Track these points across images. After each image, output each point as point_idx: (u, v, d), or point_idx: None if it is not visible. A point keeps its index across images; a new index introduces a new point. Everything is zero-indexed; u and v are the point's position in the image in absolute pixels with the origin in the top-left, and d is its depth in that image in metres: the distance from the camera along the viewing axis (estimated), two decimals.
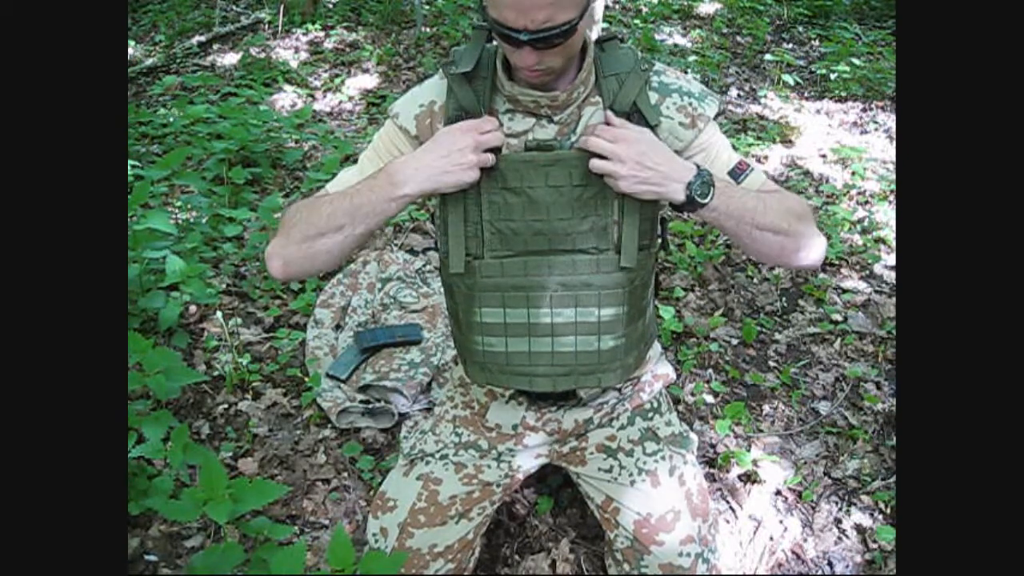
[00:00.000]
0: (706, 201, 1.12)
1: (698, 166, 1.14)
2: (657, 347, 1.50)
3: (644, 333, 1.35)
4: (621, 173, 1.10)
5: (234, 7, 5.55)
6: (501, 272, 1.21)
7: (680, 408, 2.06)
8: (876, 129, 3.90)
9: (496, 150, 1.15)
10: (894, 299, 2.50)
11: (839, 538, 1.70)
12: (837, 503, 1.79)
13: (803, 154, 3.57)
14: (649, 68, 1.21)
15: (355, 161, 1.29)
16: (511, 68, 1.18)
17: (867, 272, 2.68)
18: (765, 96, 4.27)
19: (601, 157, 1.12)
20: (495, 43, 1.19)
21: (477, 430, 1.43)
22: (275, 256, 1.20)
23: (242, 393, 2.06)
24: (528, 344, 1.24)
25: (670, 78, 1.23)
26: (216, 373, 2.11)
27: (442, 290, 1.60)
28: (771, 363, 2.27)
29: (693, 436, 1.50)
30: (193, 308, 2.35)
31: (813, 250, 1.22)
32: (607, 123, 1.15)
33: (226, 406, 2.01)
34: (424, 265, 2.62)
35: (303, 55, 4.78)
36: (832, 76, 4.38)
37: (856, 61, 4.52)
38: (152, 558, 1.58)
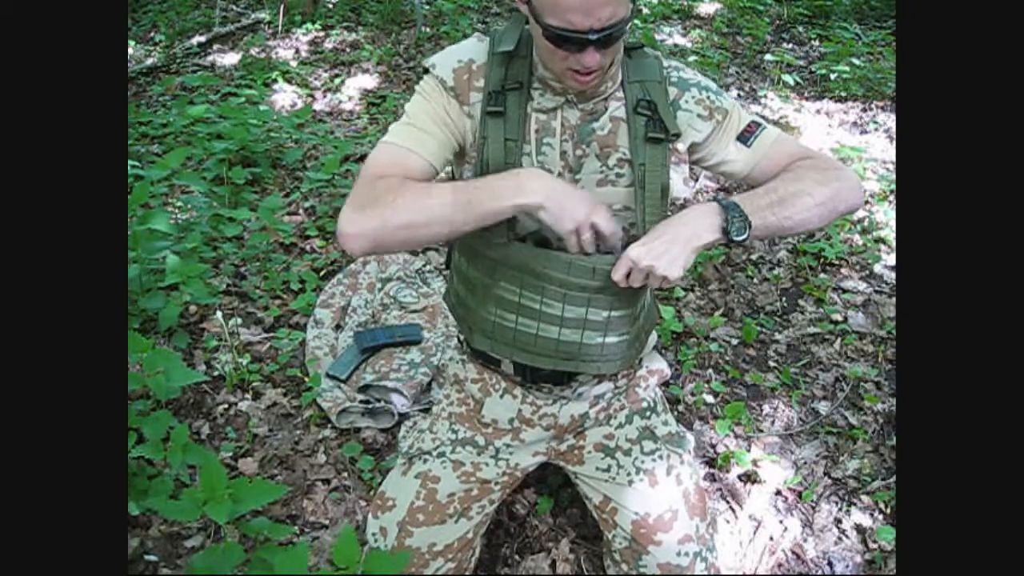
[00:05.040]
0: (744, 237, 1.14)
1: (719, 202, 1.16)
2: (653, 336, 1.51)
3: (645, 323, 1.38)
4: (658, 268, 1.12)
5: (234, 7, 5.55)
6: (527, 256, 1.22)
7: (680, 408, 2.06)
8: (876, 129, 3.90)
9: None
10: (894, 299, 2.50)
11: (839, 538, 1.70)
12: (837, 503, 1.79)
13: None
14: (669, 68, 1.26)
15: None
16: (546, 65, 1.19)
17: (867, 272, 2.68)
18: (765, 96, 4.26)
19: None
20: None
21: (473, 426, 1.43)
22: (363, 236, 1.11)
23: (242, 393, 2.06)
24: (536, 328, 1.26)
25: (688, 74, 1.27)
26: (216, 373, 2.11)
27: (442, 288, 1.59)
28: (771, 363, 2.27)
29: (690, 436, 1.50)
30: (193, 308, 2.35)
31: (848, 196, 1.21)
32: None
33: (226, 406, 2.01)
34: (424, 265, 2.62)
35: (303, 55, 4.78)
36: (832, 76, 4.38)
37: (856, 61, 4.51)
38: (152, 558, 1.58)
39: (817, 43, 5.19)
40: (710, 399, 2.10)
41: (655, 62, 1.25)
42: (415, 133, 1.20)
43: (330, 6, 5.62)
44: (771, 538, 1.68)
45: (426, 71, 1.24)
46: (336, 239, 1.14)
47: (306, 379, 2.08)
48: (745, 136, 1.25)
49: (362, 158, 3.44)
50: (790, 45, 5.20)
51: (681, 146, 1.25)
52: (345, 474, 1.84)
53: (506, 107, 1.20)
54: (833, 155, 3.49)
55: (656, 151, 1.21)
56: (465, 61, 1.23)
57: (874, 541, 1.68)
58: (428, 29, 5.07)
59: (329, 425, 1.97)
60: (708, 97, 1.24)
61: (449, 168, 1.33)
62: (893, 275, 2.64)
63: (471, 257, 1.32)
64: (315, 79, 4.45)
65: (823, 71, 4.47)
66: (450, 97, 1.22)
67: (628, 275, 1.15)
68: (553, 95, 1.22)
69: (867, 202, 3.14)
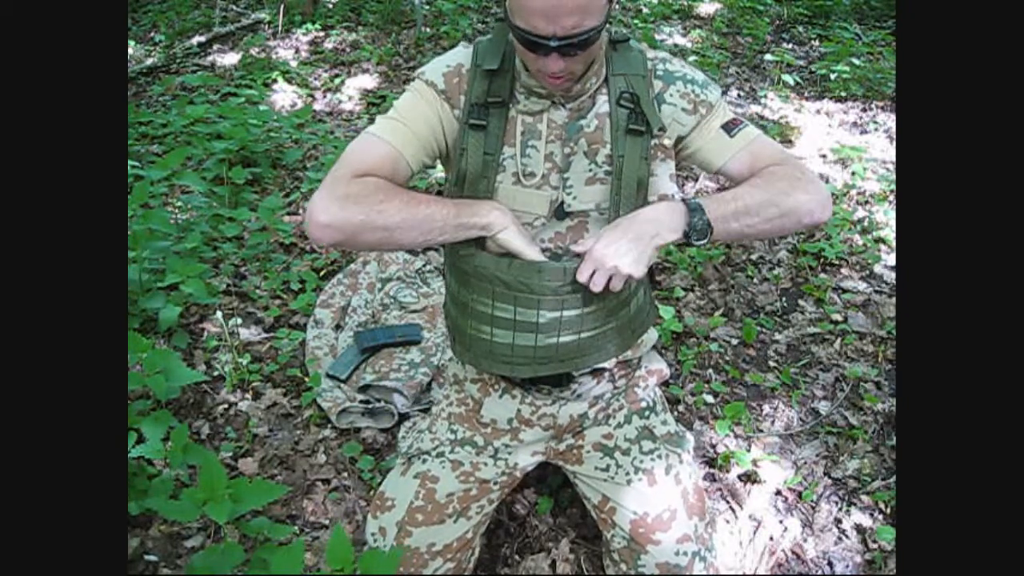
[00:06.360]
0: (704, 242, 1.17)
1: (686, 203, 1.18)
2: (652, 335, 1.50)
3: (632, 321, 1.36)
4: (623, 267, 1.14)
5: (234, 7, 5.55)
6: (495, 267, 1.23)
7: (680, 408, 2.06)
8: (876, 129, 3.90)
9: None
10: (894, 299, 2.50)
11: (839, 538, 1.70)
12: (837, 503, 1.79)
13: (803, 154, 3.57)
14: (655, 60, 1.26)
15: None
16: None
17: (867, 272, 2.68)
18: (765, 96, 4.26)
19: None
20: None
21: (472, 426, 1.43)
22: (340, 229, 1.12)
23: (242, 393, 2.06)
24: (512, 338, 1.26)
25: (675, 66, 1.27)
26: (216, 373, 2.11)
27: (442, 288, 1.58)
28: (771, 363, 2.27)
29: (689, 436, 1.50)
30: (193, 308, 2.35)
31: (814, 210, 1.20)
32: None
33: (226, 406, 2.01)
34: (424, 265, 2.62)
35: (303, 55, 4.78)
36: (832, 76, 4.38)
37: (856, 61, 4.51)
38: (152, 558, 1.58)
39: (817, 43, 5.19)
40: (710, 399, 2.10)
41: (639, 56, 1.25)
42: (401, 130, 1.21)
43: (330, 6, 5.62)
44: (771, 538, 1.68)
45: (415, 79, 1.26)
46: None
47: (306, 379, 2.08)
48: (729, 127, 1.25)
49: None
50: (790, 45, 5.20)
51: (668, 141, 1.25)
52: (345, 474, 1.84)
53: (488, 121, 1.21)
54: (833, 155, 3.50)
55: (635, 143, 1.22)
56: (454, 66, 1.24)
57: (874, 541, 1.68)
58: (428, 29, 5.07)
59: (329, 425, 1.97)
60: (693, 91, 1.24)
61: (441, 171, 1.33)
62: (893, 275, 2.64)
63: (450, 270, 1.33)
64: (315, 79, 4.45)
65: (823, 71, 4.47)
66: (442, 101, 1.22)
67: (592, 274, 1.16)
68: (539, 98, 1.23)
69: (867, 202, 3.14)
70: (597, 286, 1.16)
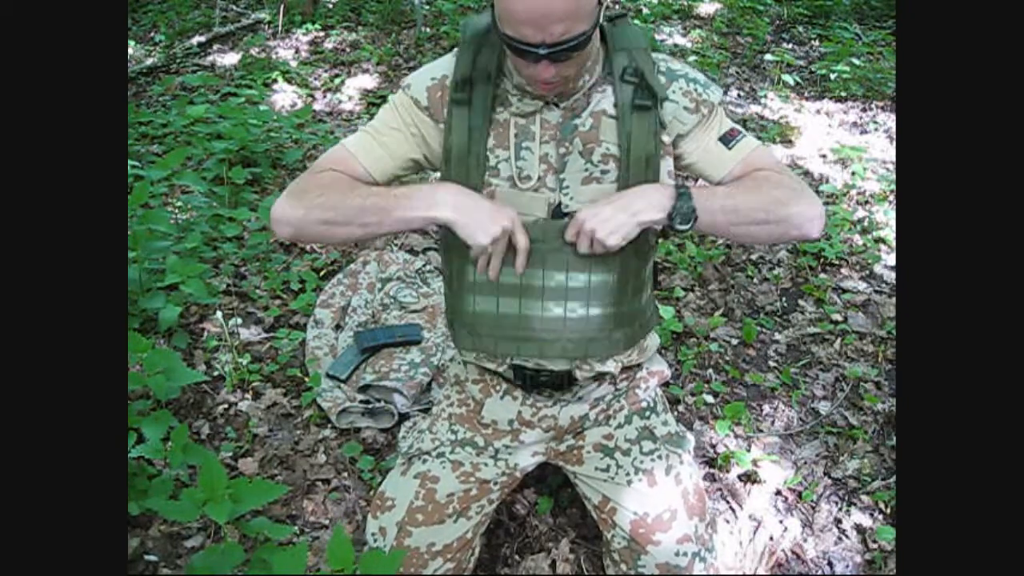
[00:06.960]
0: (687, 227, 1.15)
1: (676, 188, 1.16)
2: (655, 339, 1.50)
3: (638, 314, 1.35)
4: (599, 233, 1.13)
5: (234, 7, 5.55)
6: None
7: (680, 408, 2.06)
8: (876, 129, 3.90)
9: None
10: (894, 299, 2.50)
11: (839, 538, 1.70)
12: (837, 503, 1.79)
13: (803, 154, 3.57)
14: (656, 59, 1.25)
15: None
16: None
17: (867, 272, 2.68)
18: (765, 96, 4.26)
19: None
20: None
21: (473, 427, 1.43)
22: (288, 224, 1.20)
23: (242, 393, 2.06)
24: (519, 306, 1.25)
25: (676, 65, 1.27)
26: (216, 373, 2.11)
27: (442, 288, 1.57)
28: (771, 363, 2.27)
29: (690, 436, 1.50)
30: (193, 308, 2.35)
31: (804, 225, 1.19)
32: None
33: (226, 406, 2.01)
34: (424, 265, 2.62)
35: (303, 55, 4.78)
36: (832, 76, 4.38)
37: (856, 61, 4.51)
38: (152, 558, 1.58)
39: (817, 43, 5.19)
40: (710, 399, 2.10)
41: (638, 29, 1.25)
42: (369, 143, 1.25)
43: (330, 6, 5.62)
44: (771, 538, 1.68)
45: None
46: None
47: (306, 379, 2.08)
48: (727, 138, 1.25)
49: None
50: (790, 45, 5.20)
51: (667, 138, 1.25)
52: (345, 474, 1.84)
53: (472, 96, 1.20)
54: (833, 155, 3.50)
55: (643, 119, 1.21)
56: (438, 78, 1.24)
57: (874, 541, 1.68)
58: (428, 29, 5.07)
59: (329, 425, 1.97)
60: (695, 89, 1.24)
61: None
62: (893, 275, 2.64)
63: (445, 248, 1.32)
64: (315, 79, 4.45)
65: (823, 71, 4.47)
66: (424, 116, 1.23)
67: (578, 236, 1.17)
68: (532, 99, 1.22)
69: (867, 202, 3.14)
70: (582, 247, 1.16)
